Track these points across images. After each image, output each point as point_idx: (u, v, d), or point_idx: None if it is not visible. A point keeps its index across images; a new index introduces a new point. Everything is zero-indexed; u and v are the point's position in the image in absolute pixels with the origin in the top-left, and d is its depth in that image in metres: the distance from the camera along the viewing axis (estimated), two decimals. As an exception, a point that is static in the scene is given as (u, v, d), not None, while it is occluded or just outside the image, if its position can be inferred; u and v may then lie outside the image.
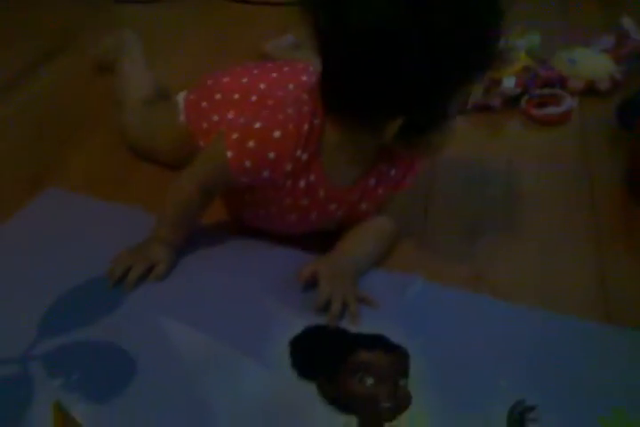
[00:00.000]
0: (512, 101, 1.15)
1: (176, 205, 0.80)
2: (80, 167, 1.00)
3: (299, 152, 0.72)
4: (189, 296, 0.77)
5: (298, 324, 0.73)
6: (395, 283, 0.79)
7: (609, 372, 0.70)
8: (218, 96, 0.86)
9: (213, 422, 0.64)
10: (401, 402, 0.66)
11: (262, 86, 0.85)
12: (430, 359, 0.70)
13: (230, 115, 0.83)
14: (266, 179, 0.73)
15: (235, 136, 0.72)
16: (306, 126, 0.71)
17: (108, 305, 0.75)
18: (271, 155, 0.71)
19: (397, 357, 0.70)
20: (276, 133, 0.71)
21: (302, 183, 0.75)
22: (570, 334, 0.74)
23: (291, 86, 0.85)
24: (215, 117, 0.85)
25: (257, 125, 0.72)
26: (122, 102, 1.03)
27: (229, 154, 0.72)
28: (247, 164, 0.72)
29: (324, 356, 0.70)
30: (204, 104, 0.88)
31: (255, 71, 0.90)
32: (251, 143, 0.71)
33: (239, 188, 0.77)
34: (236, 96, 0.85)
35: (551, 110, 1.13)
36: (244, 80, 0.87)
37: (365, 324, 0.73)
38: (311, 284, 0.75)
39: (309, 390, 0.67)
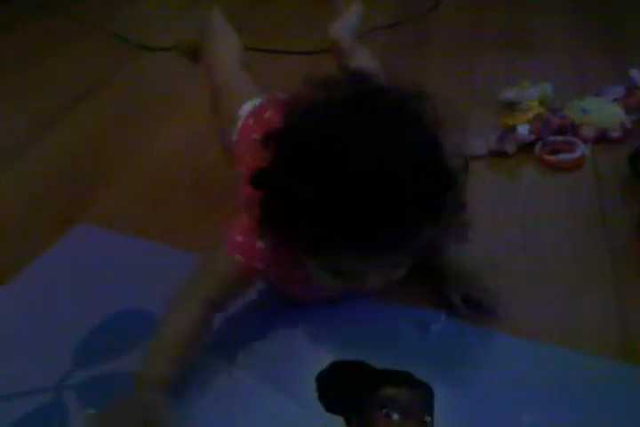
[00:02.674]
0: (526, 147, 1.19)
1: (178, 333, 0.69)
2: (109, 205, 1.03)
3: None
4: (219, 330, 0.78)
5: (325, 359, 0.75)
6: (418, 320, 0.81)
7: (628, 409, 0.71)
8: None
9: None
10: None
11: None
12: (454, 397, 0.71)
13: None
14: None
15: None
16: None
17: (140, 337, 0.77)
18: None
19: (423, 394, 0.71)
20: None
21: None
22: (590, 371, 0.75)
23: None
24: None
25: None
26: (213, 67, 1.03)
27: (238, 258, 0.70)
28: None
29: (351, 391, 0.72)
30: (254, 136, 0.83)
31: None
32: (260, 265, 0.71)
33: None
34: None
35: (564, 157, 1.17)
36: None
37: (390, 360, 0.75)
38: None
39: (337, 423, 0.68)
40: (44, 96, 1.35)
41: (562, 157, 1.17)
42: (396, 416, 0.68)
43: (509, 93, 1.26)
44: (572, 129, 1.21)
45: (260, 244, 0.69)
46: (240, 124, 0.92)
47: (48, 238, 0.94)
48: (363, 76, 0.66)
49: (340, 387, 0.72)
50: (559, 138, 1.20)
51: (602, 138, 1.21)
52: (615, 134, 1.21)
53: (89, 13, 1.72)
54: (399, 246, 0.62)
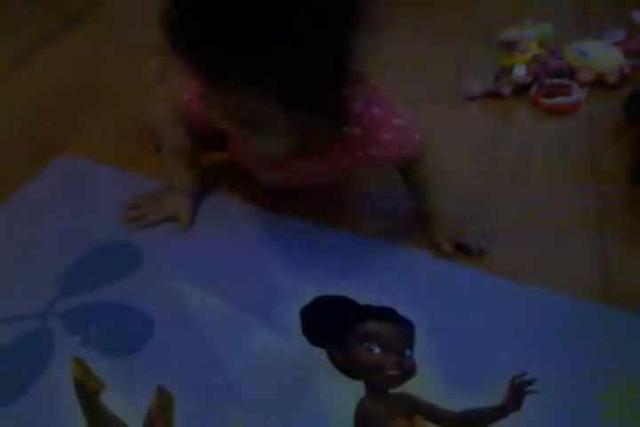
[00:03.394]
0: (522, 89, 1.17)
1: (170, 147, 0.85)
2: (97, 136, 1.02)
3: None
4: (205, 262, 0.80)
5: (309, 293, 0.75)
6: (403, 259, 0.82)
7: (606, 352, 0.72)
8: None
9: (227, 380, 0.66)
10: (406, 371, 0.69)
11: None
12: (435, 333, 0.72)
13: None
14: None
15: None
16: None
17: (126, 268, 0.78)
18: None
19: (404, 329, 0.73)
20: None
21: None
22: (570, 313, 0.76)
23: None
24: None
25: None
26: None
27: (186, 96, 0.80)
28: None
29: (333, 325, 0.73)
30: None
31: None
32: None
33: None
34: None
35: (560, 100, 1.15)
36: None
37: (374, 297, 0.75)
38: None
39: (320, 356, 0.69)
40: (31, 20, 1.31)
41: (557, 100, 1.15)
42: (377, 350, 0.70)
43: (508, 33, 1.23)
44: (569, 72, 1.19)
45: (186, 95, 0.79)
46: None
47: (32, 168, 0.93)
48: None
49: (324, 321, 0.74)
50: (556, 81, 1.18)
51: (599, 82, 1.19)
52: (612, 79, 1.18)
53: None
54: (262, 70, 0.60)
